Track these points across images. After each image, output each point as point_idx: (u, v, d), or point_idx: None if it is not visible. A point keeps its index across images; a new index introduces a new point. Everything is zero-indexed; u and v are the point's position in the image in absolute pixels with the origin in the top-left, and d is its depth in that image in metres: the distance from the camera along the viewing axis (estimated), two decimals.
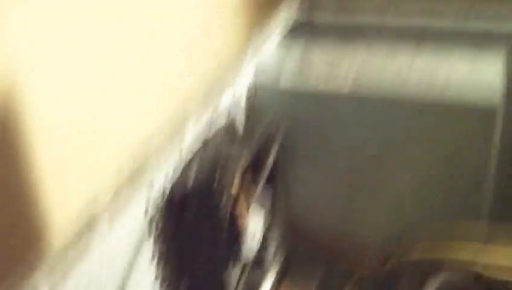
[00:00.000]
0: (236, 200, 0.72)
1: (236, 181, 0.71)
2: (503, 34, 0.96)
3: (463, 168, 0.87)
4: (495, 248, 0.81)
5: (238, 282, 0.76)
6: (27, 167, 0.59)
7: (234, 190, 0.70)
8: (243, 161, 0.74)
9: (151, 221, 0.67)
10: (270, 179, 0.81)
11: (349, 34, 1.03)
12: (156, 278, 0.70)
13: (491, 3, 0.99)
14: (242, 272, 0.78)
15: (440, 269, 0.78)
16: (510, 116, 0.91)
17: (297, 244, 0.91)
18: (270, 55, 0.98)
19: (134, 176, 0.69)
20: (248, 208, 0.75)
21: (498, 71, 0.89)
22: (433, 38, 0.98)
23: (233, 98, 0.85)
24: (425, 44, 0.97)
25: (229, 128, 0.81)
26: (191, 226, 0.71)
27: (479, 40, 0.97)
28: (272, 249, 0.85)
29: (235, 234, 0.75)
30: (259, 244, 0.81)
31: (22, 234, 0.59)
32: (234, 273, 0.75)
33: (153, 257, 0.68)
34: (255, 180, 0.77)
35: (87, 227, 0.60)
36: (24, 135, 0.58)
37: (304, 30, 1.05)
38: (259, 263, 0.83)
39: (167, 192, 0.69)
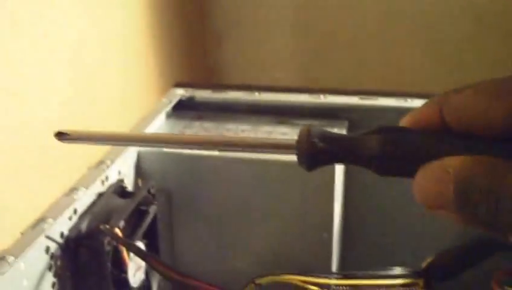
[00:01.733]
0: (118, 246, 0.90)
1: (120, 228, 0.89)
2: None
3: (310, 223, 1.08)
4: None
5: None
6: None
7: (117, 236, 0.88)
8: (127, 212, 0.92)
9: (51, 257, 0.84)
10: (152, 229, 1.00)
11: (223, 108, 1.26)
12: None
13: None
14: None
15: None
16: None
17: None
18: (158, 125, 1.19)
19: (37, 221, 0.85)
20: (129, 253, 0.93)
21: None
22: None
23: (124, 159, 1.04)
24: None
25: (119, 185, 1.00)
26: (82, 265, 0.88)
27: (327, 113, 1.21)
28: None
29: (119, 275, 0.92)
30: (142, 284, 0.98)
31: None
32: None
33: (53, 286, 0.85)
34: (137, 230, 0.96)
35: None
36: None
37: (187, 106, 1.27)
38: None
39: (65, 234, 0.87)
